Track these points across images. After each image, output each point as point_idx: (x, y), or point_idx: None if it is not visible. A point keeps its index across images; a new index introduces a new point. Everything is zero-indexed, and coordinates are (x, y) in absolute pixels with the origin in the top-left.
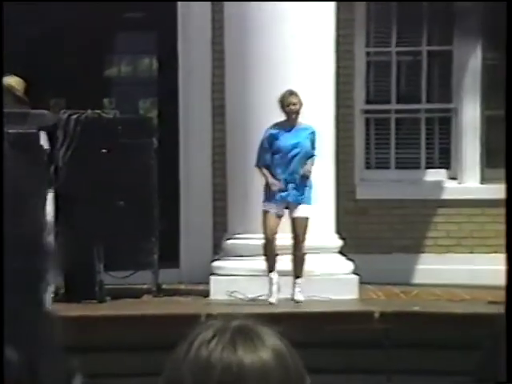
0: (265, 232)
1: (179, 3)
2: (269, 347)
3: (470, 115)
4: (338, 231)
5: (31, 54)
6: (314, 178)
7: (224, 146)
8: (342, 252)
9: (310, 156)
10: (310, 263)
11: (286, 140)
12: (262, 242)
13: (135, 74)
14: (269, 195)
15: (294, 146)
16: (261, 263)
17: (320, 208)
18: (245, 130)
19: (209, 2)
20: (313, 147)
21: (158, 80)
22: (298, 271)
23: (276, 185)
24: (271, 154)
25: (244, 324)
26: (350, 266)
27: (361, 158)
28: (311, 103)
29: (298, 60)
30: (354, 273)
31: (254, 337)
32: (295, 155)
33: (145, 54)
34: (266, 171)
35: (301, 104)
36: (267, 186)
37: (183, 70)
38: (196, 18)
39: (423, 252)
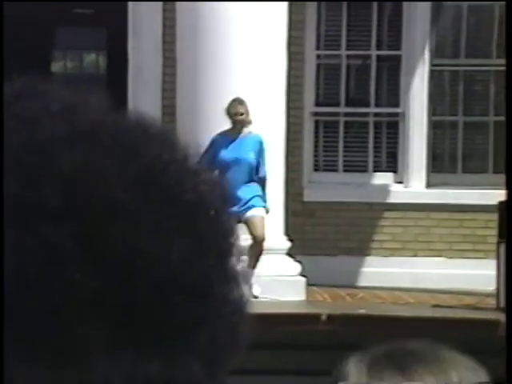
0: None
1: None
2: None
3: (417, 120)
4: (286, 233)
5: None
6: (263, 185)
7: None
8: (289, 253)
9: (255, 167)
10: (259, 264)
11: (228, 151)
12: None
13: (82, 70)
14: None
15: (236, 157)
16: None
17: (269, 209)
18: (195, 132)
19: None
20: (260, 156)
21: (107, 77)
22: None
23: None
24: (214, 162)
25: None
26: (297, 267)
27: (309, 160)
28: (262, 105)
29: (250, 61)
30: (302, 275)
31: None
32: (237, 166)
33: (94, 51)
34: None
35: (247, 113)
36: None
37: (133, 67)
38: (147, 15)
39: (369, 255)
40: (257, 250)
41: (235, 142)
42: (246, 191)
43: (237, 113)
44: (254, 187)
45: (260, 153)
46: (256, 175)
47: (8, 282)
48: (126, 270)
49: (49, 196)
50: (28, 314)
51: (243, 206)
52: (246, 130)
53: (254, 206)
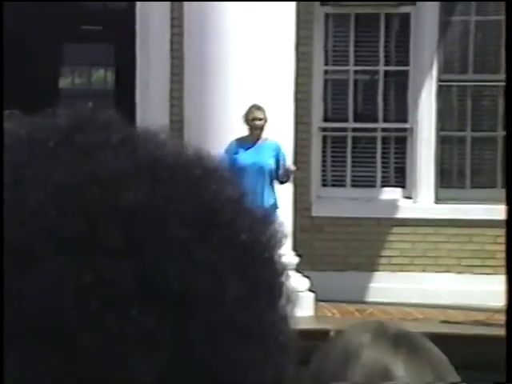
0: None
1: (138, 15)
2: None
3: (425, 135)
4: (294, 248)
5: None
6: (278, 197)
7: None
8: (297, 269)
9: (275, 173)
10: None
11: (246, 157)
12: None
13: (90, 86)
14: None
15: (254, 163)
16: None
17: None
18: (203, 146)
19: (168, 16)
20: (278, 163)
21: (115, 93)
22: None
23: None
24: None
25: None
26: (306, 283)
27: (317, 175)
28: (270, 120)
29: (258, 77)
30: (310, 290)
31: (418, 348)
32: (255, 171)
33: (102, 67)
34: None
35: (266, 120)
36: None
37: (141, 84)
38: (154, 31)
39: (377, 270)
40: None
41: (253, 148)
42: (260, 198)
43: (255, 118)
44: (269, 195)
45: (279, 158)
46: (273, 181)
47: (66, 317)
48: (179, 309)
49: (110, 232)
50: (83, 348)
51: None
52: (263, 137)
53: None
